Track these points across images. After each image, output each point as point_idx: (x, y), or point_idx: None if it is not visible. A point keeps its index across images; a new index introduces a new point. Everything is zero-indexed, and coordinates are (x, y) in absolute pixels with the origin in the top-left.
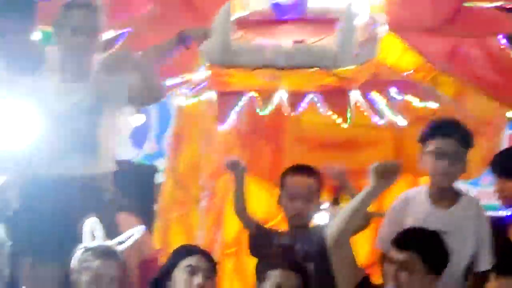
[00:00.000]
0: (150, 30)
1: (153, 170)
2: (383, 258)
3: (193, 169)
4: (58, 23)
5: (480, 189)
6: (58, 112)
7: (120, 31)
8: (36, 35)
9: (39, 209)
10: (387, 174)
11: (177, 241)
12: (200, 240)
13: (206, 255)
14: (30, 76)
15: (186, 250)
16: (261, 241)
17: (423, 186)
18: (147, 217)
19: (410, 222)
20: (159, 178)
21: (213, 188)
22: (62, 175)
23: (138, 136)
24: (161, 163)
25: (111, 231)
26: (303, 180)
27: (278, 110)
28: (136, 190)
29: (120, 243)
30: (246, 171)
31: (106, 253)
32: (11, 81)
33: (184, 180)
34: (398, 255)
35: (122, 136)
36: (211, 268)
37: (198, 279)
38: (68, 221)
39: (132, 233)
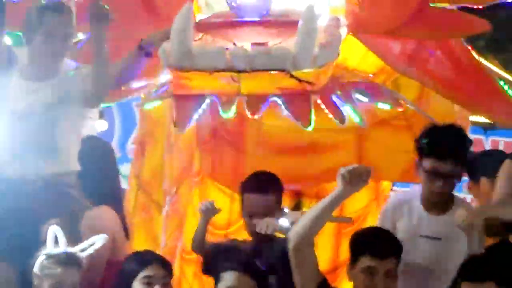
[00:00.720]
0: (111, 34)
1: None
2: None
3: (157, 174)
4: (31, 25)
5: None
6: (19, 110)
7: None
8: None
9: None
10: (355, 180)
11: (140, 246)
12: (162, 245)
13: (161, 262)
14: None
15: (142, 260)
16: (219, 258)
17: (415, 189)
18: None
19: (402, 227)
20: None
21: (176, 193)
22: (24, 175)
23: None
24: (124, 169)
25: (74, 232)
26: (260, 198)
27: (239, 114)
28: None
29: (83, 250)
30: (218, 213)
31: (68, 261)
32: None
33: (148, 185)
34: (380, 263)
35: None
36: (167, 274)
37: None
38: (28, 222)
39: (94, 240)
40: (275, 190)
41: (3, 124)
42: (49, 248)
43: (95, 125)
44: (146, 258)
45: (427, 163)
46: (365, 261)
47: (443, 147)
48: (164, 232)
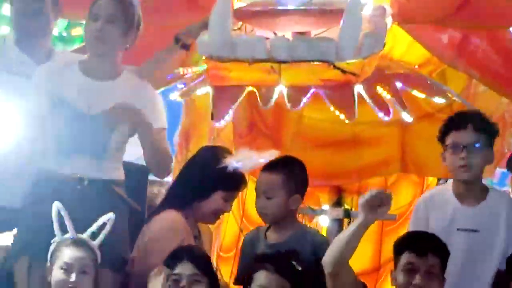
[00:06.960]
0: (146, 22)
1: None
2: None
3: None
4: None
5: (506, 189)
6: (78, 109)
7: None
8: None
9: (43, 208)
10: (378, 207)
11: None
12: None
13: (192, 259)
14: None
15: (173, 258)
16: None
17: (447, 184)
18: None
19: (436, 220)
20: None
21: None
22: (70, 176)
23: None
24: None
25: (121, 238)
26: (264, 176)
27: (278, 107)
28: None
29: (94, 234)
30: None
31: (75, 243)
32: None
33: None
34: (420, 260)
35: None
36: (197, 272)
37: None
38: (76, 222)
39: (105, 220)
40: (285, 171)
41: (54, 119)
42: (57, 235)
43: None
44: (177, 256)
45: (448, 140)
46: (405, 258)
47: (460, 118)
48: None
